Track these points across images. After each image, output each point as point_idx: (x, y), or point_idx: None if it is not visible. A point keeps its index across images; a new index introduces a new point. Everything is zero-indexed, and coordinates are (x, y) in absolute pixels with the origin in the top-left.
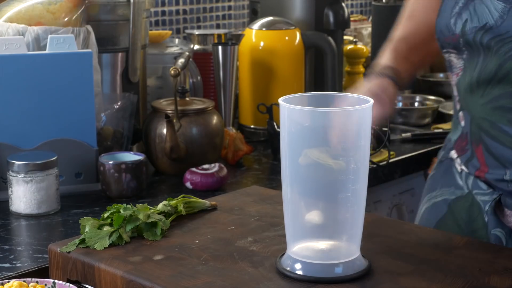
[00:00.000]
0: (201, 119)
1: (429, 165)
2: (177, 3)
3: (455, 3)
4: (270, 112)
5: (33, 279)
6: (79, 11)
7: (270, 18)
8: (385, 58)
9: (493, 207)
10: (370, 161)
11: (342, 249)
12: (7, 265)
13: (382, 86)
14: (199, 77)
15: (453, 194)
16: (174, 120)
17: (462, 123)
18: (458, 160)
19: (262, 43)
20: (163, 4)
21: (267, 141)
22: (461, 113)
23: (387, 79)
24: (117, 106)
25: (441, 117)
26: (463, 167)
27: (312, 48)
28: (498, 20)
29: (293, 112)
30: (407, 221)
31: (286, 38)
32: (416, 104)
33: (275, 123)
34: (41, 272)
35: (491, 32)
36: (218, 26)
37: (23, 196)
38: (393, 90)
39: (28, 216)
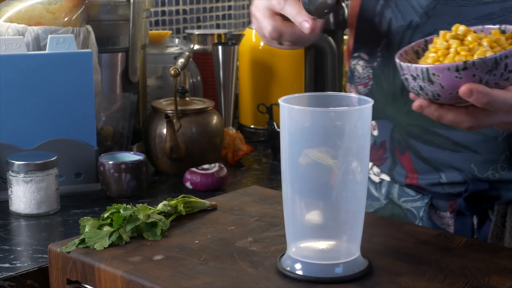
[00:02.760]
0: (201, 119)
1: None
2: (177, 3)
3: (376, 0)
4: (270, 112)
5: None
6: (79, 11)
7: None
8: None
9: (428, 212)
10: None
11: (342, 249)
12: (7, 265)
13: None
14: (199, 77)
15: (371, 207)
16: (174, 120)
17: (375, 132)
18: (375, 170)
19: (262, 43)
20: (163, 4)
21: (267, 141)
22: (373, 122)
23: None
24: (117, 106)
25: None
26: (384, 177)
27: (312, 48)
28: (423, 17)
29: (293, 112)
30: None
31: None
32: None
33: (275, 123)
34: (41, 272)
35: (419, 31)
36: (218, 26)
37: (23, 196)
38: None
39: (28, 216)
